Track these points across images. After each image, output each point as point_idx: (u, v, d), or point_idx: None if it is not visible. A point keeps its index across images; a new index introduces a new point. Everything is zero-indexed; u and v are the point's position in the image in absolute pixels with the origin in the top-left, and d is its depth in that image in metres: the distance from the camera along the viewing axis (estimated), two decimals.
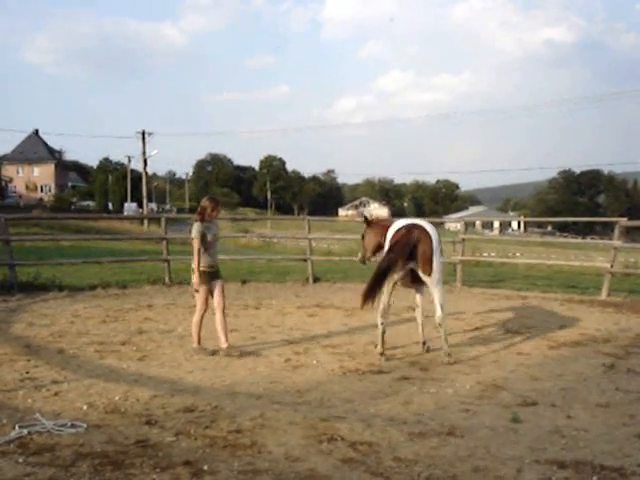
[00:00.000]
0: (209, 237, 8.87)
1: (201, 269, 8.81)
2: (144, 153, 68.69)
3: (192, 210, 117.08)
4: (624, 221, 16.49)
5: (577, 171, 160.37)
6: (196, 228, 8.83)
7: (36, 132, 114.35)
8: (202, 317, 8.93)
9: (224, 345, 8.89)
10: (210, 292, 8.94)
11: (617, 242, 15.82)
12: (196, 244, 8.77)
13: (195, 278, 8.83)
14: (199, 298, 8.91)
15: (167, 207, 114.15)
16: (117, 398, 6.71)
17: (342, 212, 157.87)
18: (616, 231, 15.90)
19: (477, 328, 11.19)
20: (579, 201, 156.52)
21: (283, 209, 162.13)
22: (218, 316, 8.95)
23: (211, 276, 8.91)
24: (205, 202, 9.05)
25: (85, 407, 6.40)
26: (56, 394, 6.88)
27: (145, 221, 57.36)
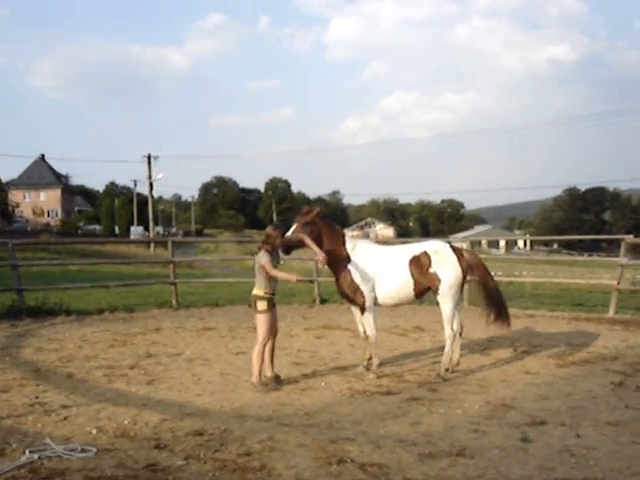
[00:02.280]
0: (274, 264, 8.63)
1: (266, 295, 8.56)
2: (150, 177, 68.99)
3: (198, 233, 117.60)
4: (630, 238, 16.48)
5: (582, 189, 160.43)
6: (266, 256, 8.53)
7: (42, 157, 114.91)
8: (265, 347, 8.55)
9: (269, 374, 8.60)
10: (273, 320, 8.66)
11: (623, 259, 15.82)
12: (270, 267, 8.44)
13: (260, 304, 8.51)
14: (263, 326, 8.52)
15: (173, 230, 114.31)
16: (126, 422, 6.73)
17: (348, 233, 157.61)
18: (622, 248, 15.90)
19: (486, 347, 11.20)
20: (585, 218, 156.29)
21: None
22: (271, 344, 8.70)
23: (273, 304, 8.68)
24: (271, 231, 8.75)
25: (95, 431, 6.42)
26: (65, 418, 6.90)
27: (151, 244, 57.45)
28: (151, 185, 69.53)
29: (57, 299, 16.06)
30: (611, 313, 15.17)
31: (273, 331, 8.65)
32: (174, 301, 16.77)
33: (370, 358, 9.28)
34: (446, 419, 6.89)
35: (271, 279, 8.56)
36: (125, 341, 11.81)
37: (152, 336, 12.37)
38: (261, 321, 8.52)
